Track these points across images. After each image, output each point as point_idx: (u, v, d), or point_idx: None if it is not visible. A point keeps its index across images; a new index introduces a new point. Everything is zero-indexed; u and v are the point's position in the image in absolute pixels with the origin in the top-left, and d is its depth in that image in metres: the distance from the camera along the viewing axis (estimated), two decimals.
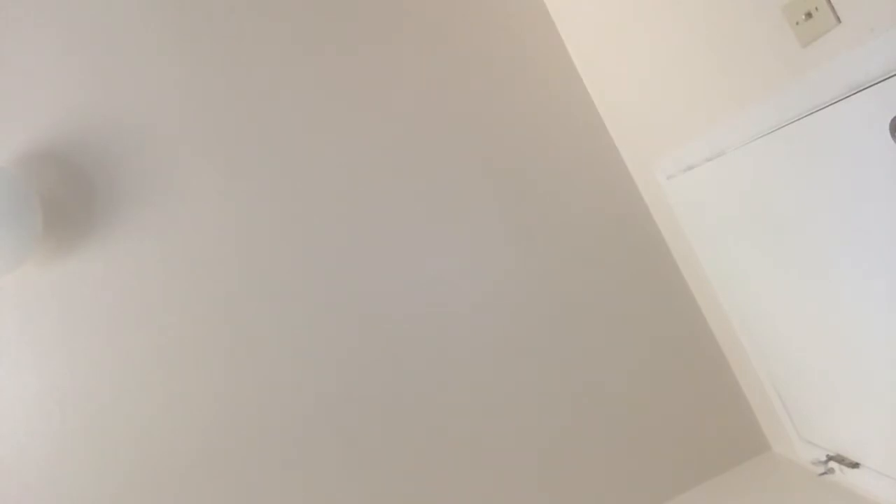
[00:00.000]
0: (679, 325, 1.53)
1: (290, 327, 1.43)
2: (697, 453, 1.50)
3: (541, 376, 1.48)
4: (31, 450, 1.35)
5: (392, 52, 1.53)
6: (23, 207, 1.29)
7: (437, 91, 1.53)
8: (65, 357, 1.37)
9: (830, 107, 0.85)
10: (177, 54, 1.46)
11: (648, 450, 1.49)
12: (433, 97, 1.53)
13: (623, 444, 1.48)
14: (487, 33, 1.57)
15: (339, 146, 1.49)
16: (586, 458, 1.47)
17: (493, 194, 1.52)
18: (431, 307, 1.47)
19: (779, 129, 0.97)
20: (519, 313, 1.49)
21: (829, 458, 1.22)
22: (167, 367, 1.39)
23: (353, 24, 1.52)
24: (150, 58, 1.45)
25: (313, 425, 1.41)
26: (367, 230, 1.47)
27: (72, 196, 1.41)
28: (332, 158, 1.48)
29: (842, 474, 1.22)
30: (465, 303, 1.48)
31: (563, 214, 1.53)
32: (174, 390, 1.38)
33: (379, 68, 1.52)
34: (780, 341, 1.23)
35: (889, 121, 0.76)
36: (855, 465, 1.17)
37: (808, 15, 0.82)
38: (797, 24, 0.85)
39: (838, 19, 0.79)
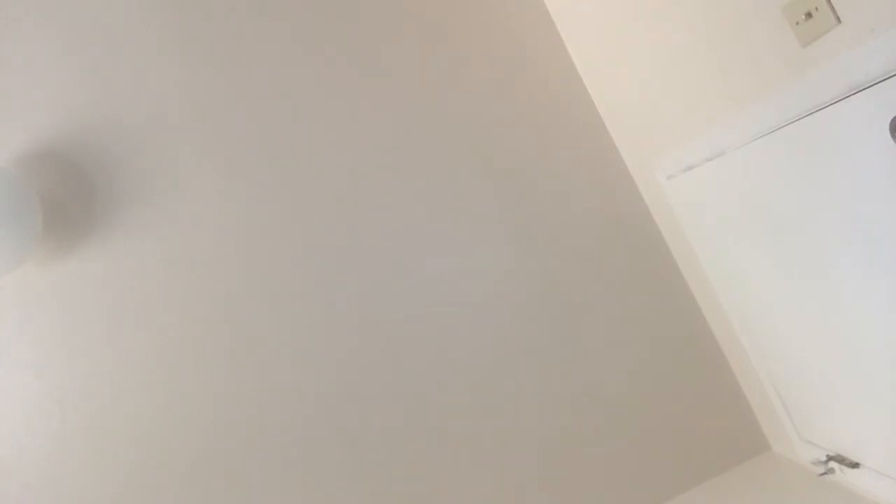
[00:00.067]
0: (679, 325, 1.53)
1: (290, 327, 1.43)
2: (697, 453, 1.50)
3: (541, 376, 1.48)
4: (31, 450, 1.35)
5: (392, 52, 1.53)
6: (23, 207, 1.29)
7: (436, 91, 1.53)
8: (65, 357, 1.37)
9: (830, 107, 0.85)
10: (177, 54, 1.46)
11: (648, 450, 1.49)
12: (433, 97, 1.53)
13: (623, 444, 1.48)
14: (487, 33, 1.57)
15: (339, 146, 1.49)
16: (586, 457, 1.47)
17: (493, 194, 1.52)
18: (431, 307, 1.47)
19: (779, 129, 0.97)
20: (519, 313, 1.49)
21: (829, 458, 1.22)
22: (167, 367, 1.39)
23: (353, 24, 1.52)
24: (150, 58, 1.45)
25: (313, 425, 1.41)
26: (366, 230, 1.47)
27: (72, 196, 1.41)
28: (332, 158, 1.48)
29: (842, 474, 1.22)
30: (465, 303, 1.48)
31: (563, 214, 1.53)
32: (174, 390, 1.38)
33: (379, 68, 1.52)
34: (780, 341, 1.23)
35: (889, 121, 0.76)
36: (855, 465, 1.17)
37: (808, 15, 0.82)
38: (797, 24, 0.85)
39: (838, 19, 0.79)
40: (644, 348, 1.52)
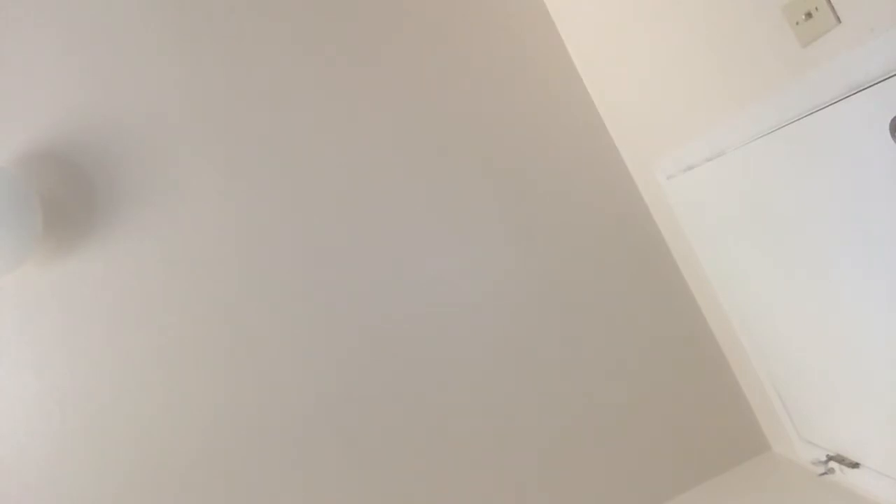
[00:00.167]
0: (679, 325, 1.53)
1: (290, 327, 1.43)
2: (697, 453, 1.50)
3: (541, 376, 1.48)
4: (31, 450, 1.35)
5: (392, 52, 1.53)
6: (23, 207, 1.29)
7: (437, 91, 1.53)
8: (65, 357, 1.37)
9: (830, 107, 0.85)
10: (177, 54, 1.46)
11: (648, 450, 1.49)
12: (433, 97, 1.53)
13: (623, 443, 1.48)
14: (487, 33, 1.57)
15: (339, 146, 1.49)
16: (586, 457, 1.47)
17: (493, 194, 1.52)
18: (431, 307, 1.47)
19: (779, 129, 0.97)
20: (519, 313, 1.49)
21: (829, 458, 1.22)
22: (167, 367, 1.39)
23: (353, 24, 1.52)
24: (150, 58, 1.45)
25: (313, 425, 1.41)
26: (366, 230, 1.47)
27: (72, 196, 1.41)
28: (332, 158, 1.48)
29: (842, 474, 1.22)
30: (465, 303, 1.48)
31: (563, 214, 1.53)
32: (174, 390, 1.38)
33: (379, 68, 1.52)
34: (780, 341, 1.23)
35: (889, 121, 0.76)
36: (855, 465, 1.17)
37: (808, 15, 0.82)
38: (797, 24, 0.85)
39: (838, 19, 0.79)
40: (644, 348, 1.52)
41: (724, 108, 1.10)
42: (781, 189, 1.02)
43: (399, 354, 1.45)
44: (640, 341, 1.52)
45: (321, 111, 1.49)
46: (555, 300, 1.51)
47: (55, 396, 1.36)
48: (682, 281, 1.54)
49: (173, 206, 1.43)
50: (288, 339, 1.42)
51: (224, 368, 1.40)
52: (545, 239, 1.52)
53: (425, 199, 1.50)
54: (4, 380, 1.36)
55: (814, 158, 0.92)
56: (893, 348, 0.93)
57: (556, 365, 1.49)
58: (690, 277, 1.52)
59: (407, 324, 1.46)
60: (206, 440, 1.38)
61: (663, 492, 1.48)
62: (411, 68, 1.53)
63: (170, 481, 1.36)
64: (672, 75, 1.21)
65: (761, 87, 0.99)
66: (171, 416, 1.38)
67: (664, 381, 1.51)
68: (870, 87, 0.78)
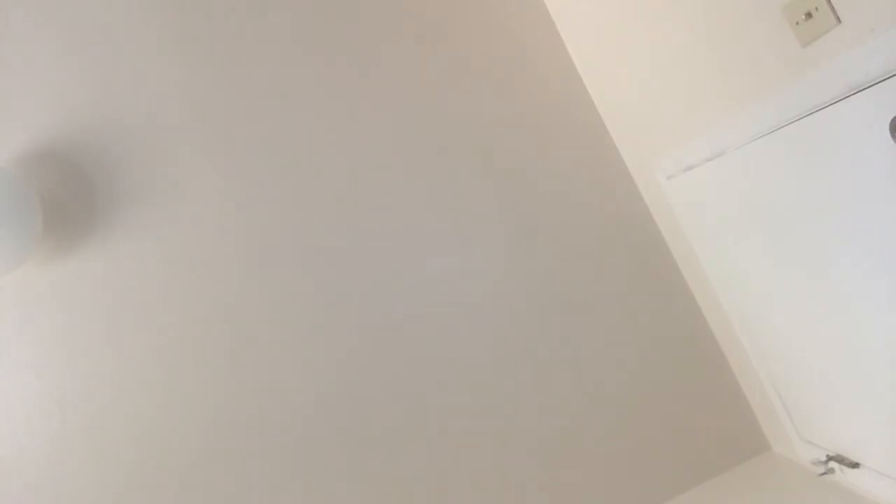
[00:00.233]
0: (679, 325, 1.53)
1: (290, 327, 1.43)
2: (697, 453, 1.50)
3: (541, 376, 1.48)
4: (31, 450, 1.35)
5: (392, 51, 1.53)
6: (23, 207, 1.29)
7: (436, 91, 1.53)
8: (65, 357, 1.37)
9: (830, 107, 0.85)
10: (177, 54, 1.46)
11: (648, 450, 1.49)
12: (433, 97, 1.53)
13: (623, 444, 1.48)
14: (487, 33, 1.57)
15: (339, 146, 1.49)
16: (586, 457, 1.47)
17: (493, 194, 1.52)
18: (431, 307, 1.47)
19: (779, 129, 0.97)
20: (519, 313, 1.49)
21: (829, 458, 1.22)
22: (167, 367, 1.39)
23: (353, 24, 1.52)
24: (150, 58, 1.45)
25: (313, 425, 1.41)
26: (366, 230, 1.47)
27: (72, 196, 1.41)
28: (332, 158, 1.48)
29: (842, 474, 1.22)
30: (465, 303, 1.48)
31: (563, 214, 1.53)
32: (174, 390, 1.38)
33: (379, 68, 1.52)
34: (780, 341, 1.23)
35: (889, 121, 0.76)
36: (855, 465, 1.17)
37: (808, 15, 0.82)
38: (797, 24, 0.85)
39: (838, 19, 0.79)
40: (644, 348, 1.52)
41: (724, 108, 1.10)
42: (781, 189, 1.02)
43: (399, 354, 1.45)
44: (640, 341, 1.52)
45: (321, 111, 1.49)
46: (555, 300, 1.51)
47: (55, 396, 1.36)
48: (682, 281, 1.54)
49: (173, 206, 1.43)
50: (288, 339, 1.42)
51: (224, 368, 1.40)
52: (545, 239, 1.52)
53: (425, 199, 1.50)
54: (4, 380, 1.36)
55: (814, 158, 0.92)
56: (893, 348, 0.93)
57: (556, 365, 1.49)
58: (690, 277, 1.52)
59: (407, 324, 1.46)
60: (206, 440, 1.38)
61: (663, 492, 1.48)
62: (411, 68, 1.53)
63: (170, 481, 1.36)
64: (672, 75, 1.21)
65: (761, 87, 0.99)
66: (171, 416, 1.38)
67: (664, 381, 1.51)
68: (870, 87, 0.78)
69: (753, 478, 1.43)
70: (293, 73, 1.49)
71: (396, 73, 1.52)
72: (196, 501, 1.37)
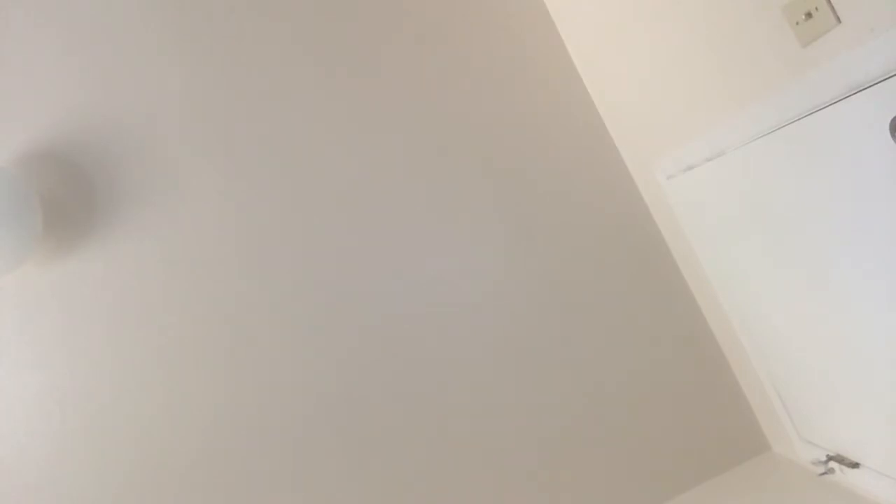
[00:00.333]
0: (679, 325, 1.53)
1: (290, 327, 1.43)
2: (697, 453, 1.50)
3: (541, 376, 1.48)
4: (31, 450, 1.35)
5: (392, 52, 1.53)
6: (23, 207, 1.29)
7: (436, 91, 1.53)
8: (65, 357, 1.37)
9: (830, 107, 0.85)
10: (177, 54, 1.46)
11: (648, 450, 1.49)
12: (433, 97, 1.53)
13: (623, 443, 1.48)
14: (487, 33, 1.57)
15: (339, 146, 1.49)
16: (586, 458, 1.47)
17: (493, 194, 1.52)
18: (431, 307, 1.47)
19: (779, 129, 0.97)
20: (519, 313, 1.49)
21: (829, 458, 1.22)
22: (167, 367, 1.39)
23: (353, 24, 1.52)
24: (150, 58, 1.45)
25: (313, 425, 1.41)
26: (366, 230, 1.47)
27: (72, 196, 1.41)
28: (332, 158, 1.48)
29: (842, 474, 1.22)
30: (465, 303, 1.48)
31: (563, 214, 1.53)
32: (174, 390, 1.38)
33: (379, 68, 1.52)
34: (780, 341, 1.23)
35: (889, 121, 0.76)
36: (855, 465, 1.17)
37: (808, 15, 0.82)
38: (797, 24, 0.85)
39: (838, 19, 0.79)
40: (644, 348, 1.52)
41: (724, 108, 1.10)
42: (781, 189, 1.02)
43: (399, 354, 1.45)
44: (640, 341, 1.52)
45: (321, 111, 1.49)
46: (555, 300, 1.51)
47: (55, 396, 1.36)
48: (682, 281, 1.54)
49: (173, 206, 1.43)
50: (288, 339, 1.42)
51: (224, 368, 1.40)
52: (545, 239, 1.52)
53: (425, 199, 1.50)
54: (4, 380, 1.36)
55: (814, 158, 0.92)
56: (893, 348, 0.93)
57: (556, 365, 1.49)
58: (690, 277, 1.52)
59: (407, 324, 1.46)
60: (206, 440, 1.38)
61: (663, 492, 1.48)
62: (411, 68, 1.53)
63: (170, 481, 1.36)
64: (672, 75, 1.21)
65: (761, 87, 0.99)
66: (171, 416, 1.38)
67: (664, 381, 1.51)
68: (870, 87, 0.78)
69: (753, 478, 1.43)
70: (293, 74, 1.49)
71: (396, 73, 1.52)
72: (196, 501, 1.37)
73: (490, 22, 1.57)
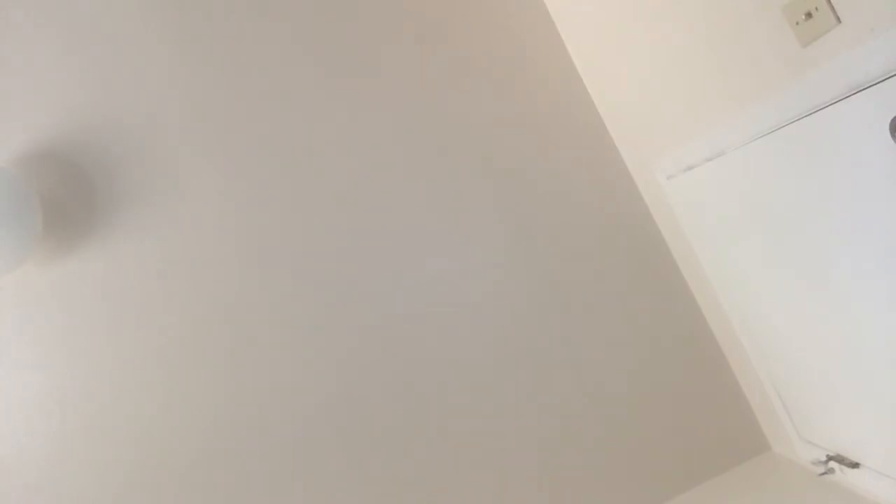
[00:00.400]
0: (679, 325, 1.53)
1: (291, 327, 1.43)
2: (697, 453, 1.50)
3: (541, 376, 1.48)
4: (31, 450, 1.35)
5: (392, 52, 1.53)
6: (23, 207, 1.29)
7: (437, 91, 1.53)
8: (65, 357, 1.37)
9: (830, 107, 0.85)
10: (177, 54, 1.46)
11: (648, 450, 1.49)
12: (433, 97, 1.53)
13: (623, 444, 1.48)
14: (487, 33, 1.57)
15: (339, 146, 1.49)
16: (586, 458, 1.47)
17: (493, 194, 1.52)
18: (431, 307, 1.47)
19: (779, 129, 0.97)
20: (519, 313, 1.49)
21: (829, 458, 1.22)
22: (167, 367, 1.39)
23: (353, 24, 1.52)
24: (150, 58, 1.45)
25: (313, 425, 1.41)
26: (366, 230, 1.47)
27: (72, 196, 1.41)
28: (332, 158, 1.48)
29: (842, 474, 1.22)
30: (465, 303, 1.48)
31: (563, 214, 1.53)
32: (174, 390, 1.38)
33: (379, 68, 1.52)
34: (780, 341, 1.23)
35: (889, 121, 0.76)
36: (855, 465, 1.17)
37: (808, 15, 0.82)
38: (797, 24, 0.85)
39: (838, 19, 0.79)
40: (644, 348, 1.52)
41: (724, 108, 1.10)
42: (781, 189, 1.02)
43: (399, 354, 1.45)
44: (640, 341, 1.52)
45: (321, 111, 1.49)
46: (555, 300, 1.51)
47: (55, 396, 1.36)
48: (682, 281, 1.54)
49: (173, 206, 1.43)
50: (288, 339, 1.42)
51: (224, 368, 1.40)
52: (545, 239, 1.52)
53: (425, 199, 1.50)
54: (4, 380, 1.36)
55: (814, 158, 0.92)
56: (893, 348, 0.93)
57: (556, 365, 1.49)
58: (690, 277, 1.52)
59: (407, 324, 1.46)
60: (206, 440, 1.38)
61: (663, 492, 1.48)
62: (411, 68, 1.53)
63: (170, 481, 1.36)
64: (672, 75, 1.21)
65: (761, 87, 0.99)
66: (171, 416, 1.38)
67: (664, 381, 1.51)
68: (870, 87, 0.78)
69: (753, 478, 1.43)
70: (293, 73, 1.49)
71: (396, 73, 1.52)
72: (196, 501, 1.37)
73: (490, 22, 1.57)
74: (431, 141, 1.52)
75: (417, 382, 1.45)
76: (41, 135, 1.41)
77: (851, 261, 0.94)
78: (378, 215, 1.48)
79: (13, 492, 1.33)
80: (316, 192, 1.47)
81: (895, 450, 1.05)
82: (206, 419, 1.38)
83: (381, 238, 1.47)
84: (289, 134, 1.47)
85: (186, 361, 1.39)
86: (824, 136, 0.88)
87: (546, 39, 1.59)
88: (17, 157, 1.40)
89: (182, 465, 1.37)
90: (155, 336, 1.39)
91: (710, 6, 1.02)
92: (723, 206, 1.20)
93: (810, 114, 0.89)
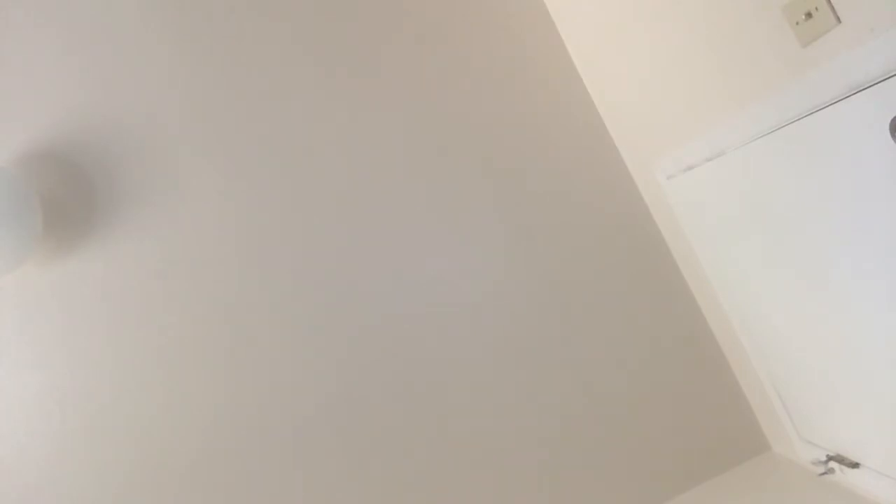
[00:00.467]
0: (679, 325, 1.53)
1: (290, 327, 1.43)
2: (697, 453, 1.50)
3: (541, 376, 1.48)
4: (31, 450, 1.35)
5: (392, 52, 1.53)
6: (23, 207, 1.29)
7: (437, 91, 1.53)
8: (65, 357, 1.37)
9: (830, 107, 0.85)
10: (177, 54, 1.46)
11: (648, 450, 1.49)
12: (433, 97, 1.53)
13: (623, 444, 1.48)
14: (487, 33, 1.57)
15: (339, 146, 1.49)
16: (586, 458, 1.47)
17: (493, 194, 1.52)
18: (431, 307, 1.47)
19: (779, 129, 0.97)
20: (519, 313, 1.49)
21: (829, 458, 1.22)
22: (167, 367, 1.39)
23: (353, 24, 1.52)
24: (150, 58, 1.45)
25: (313, 425, 1.41)
26: (366, 230, 1.47)
27: (72, 196, 1.41)
28: (332, 158, 1.48)
29: (842, 474, 1.22)
30: (465, 303, 1.48)
31: (563, 214, 1.53)
32: (174, 390, 1.38)
33: (379, 68, 1.52)
34: (780, 341, 1.23)
35: (889, 121, 0.76)
36: (855, 465, 1.17)
37: (808, 15, 0.82)
38: (797, 24, 0.85)
39: (838, 19, 0.79)
40: (644, 348, 1.52)
41: (724, 108, 1.10)
42: (781, 189, 1.02)
43: (399, 354, 1.45)
44: (640, 341, 1.52)
45: (321, 111, 1.49)
46: (555, 300, 1.51)
47: (55, 396, 1.36)
48: (682, 281, 1.54)
49: (173, 206, 1.43)
50: (288, 339, 1.42)
51: (224, 368, 1.40)
52: (545, 239, 1.52)
53: (425, 199, 1.50)
54: (4, 380, 1.36)
55: (814, 158, 0.92)
56: (893, 348, 0.93)
57: (556, 365, 1.49)
58: (690, 277, 1.52)
59: (407, 324, 1.46)
60: (206, 440, 1.38)
61: (663, 492, 1.48)
62: (411, 68, 1.53)
63: (170, 481, 1.36)
64: (672, 75, 1.21)
65: (761, 87, 0.99)
66: (171, 416, 1.38)
67: (664, 381, 1.51)
68: (870, 87, 0.78)
69: (753, 478, 1.43)
70: (293, 74, 1.49)
71: (396, 73, 1.52)
72: (196, 501, 1.37)
73: (490, 22, 1.57)
74: (431, 141, 1.52)
75: (417, 382, 1.45)
76: (41, 135, 1.41)
77: (851, 261, 0.94)
78: (378, 215, 1.48)
79: (13, 492, 1.33)
80: (316, 192, 1.47)
81: (895, 450, 1.05)
82: (206, 419, 1.38)
83: (381, 238, 1.47)
84: (289, 134, 1.48)
85: (186, 361, 1.39)
86: (824, 136, 0.88)
87: (546, 39, 1.59)
88: (17, 157, 1.40)
89: (182, 465, 1.37)
90: (155, 336, 1.39)
91: (710, 6, 1.02)
92: (723, 206, 1.20)
93: (810, 114, 0.89)
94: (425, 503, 1.42)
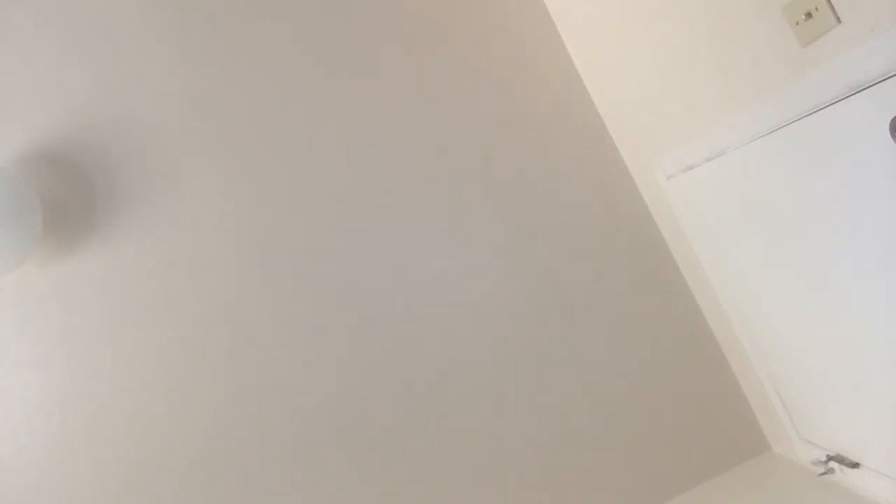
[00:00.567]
0: (679, 325, 1.53)
1: (290, 327, 1.43)
2: (697, 453, 1.50)
3: (541, 376, 1.48)
4: (31, 450, 1.35)
5: (392, 52, 1.53)
6: (23, 207, 1.29)
7: (437, 91, 1.53)
8: (65, 357, 1.37)
9: (830, 107, 0.85)
10: (177, 54, 1.46)
11: (648, 450, 1.49)
12: (433, 97, 1.53)
13: (623, 444, 1.48)
14: (487, 33, 1.57)
15: (339, 146, 1.49)
16: (586, 457, 1.47)
17: (493, 194, 1.52)
18: (431, 307, 1.47)
19: (779, 129, 0.97)
20: (519, 313, 1.49)
21: (829, 458, 1.22)
22: (167, 367, 1.39)
23: (353, 24, 1.52)
24: (150, 58, 1.45)
25: (313, 425, 1.41)
26: (366, 230, 1.47)
27: (72, 196, 1.41)
28: (332, 158, 1.48)
29: (842, 474, 1.22)
30: (465, 303, 1.48)
31: (563, 214, 1.53)
32: (174, 390, 1.38)
33: (379, 68, 1.52)
34: (780, 341, 1.23)
35: (889, 121, 0.76)
36: (855, 465, 1.17)
37: (808, 15, 0.82)
38: (797, 24, 0.85)
39: (838, 19, 0.79)
40: (644, 348, 1.52)
41: (724, 108, 1.10)
42: (781, 189, 1.02)
43: (399, 355, 1.45)
44: (640, 341, 1.52)
45: (321, 111, 1.49)
46: (555, 300, 1.51)
47: (55, 396, 1.36)
48: (682, 281, 1.54)
49: (173, 206, 1.43)
50: (288, 339, 1.42)
51: (224, 368, 1.40)
52: (545, 239, 1.52)
53: (425, 198, 1.50)
54: (4, 380, 1.36)
55: (814, 158, 0.92)
56: (893, 348, 0.93)
57: (556, 365, 1.49)
58: (690, 277, 1.52)
59: (407, 324, 1.46)
60: (206, 440, 1.38)
61: (663, 492, 1.48)
62: (411, 68, 1.53)
63: (170, 481, 1.36)
64: (672, 75, 1.21)
65: (761, 87, 0.99)
66: (171, 416, 1.38)
67: (664, 381, 1.51)
68: (870, 87, 0.78)
69: (753, 478, 1.43)
70: (293, 74, 1.49)
71: (396, 73, 1.52)
72: (196, 501, 1.37)
73: (490, 22, 1.57)
74: (431, 141, 1.52)
75: (417, 382, 1.45)
76: (41, 135, 1.41)
77: (851, 261, 0.94)
78: (378, 215, 1.48)
79: (13, 492, 1.33)
80: (316, 192, 1.47)
81: (895, 450, 1.05)
82: (206, 419, 1.38)
83: (380, 238, 1.47)
84: (289, 134, 1.48)
85: (186, 361, 1.39)
86: (824, 136, 0.88)
87: (546, 39, 1.59)
88: (17, 157, 1.40)
89: (182, 465, 1.37)
90: (155, 336, 1.39)
91: (710, 6, 1.02)
92: (723, 206, 1.20)
93: (810, 114, 0.89)
94: (425, 503, 1.42)
